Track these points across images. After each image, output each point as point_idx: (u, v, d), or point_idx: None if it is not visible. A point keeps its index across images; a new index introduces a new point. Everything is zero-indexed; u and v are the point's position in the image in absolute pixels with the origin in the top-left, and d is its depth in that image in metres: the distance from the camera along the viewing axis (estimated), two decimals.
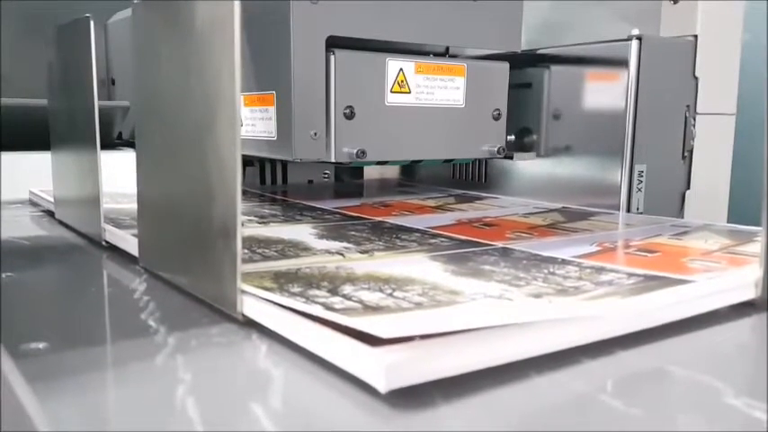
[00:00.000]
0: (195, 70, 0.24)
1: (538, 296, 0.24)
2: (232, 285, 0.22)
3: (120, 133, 0.69)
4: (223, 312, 0.23)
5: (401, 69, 0.44)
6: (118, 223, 0.35)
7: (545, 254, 0.31)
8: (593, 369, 0.19)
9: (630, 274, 0.27)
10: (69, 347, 0.21)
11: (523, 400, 0.17)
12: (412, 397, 0.17)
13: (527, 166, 0.54)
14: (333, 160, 0.42)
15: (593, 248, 0.33)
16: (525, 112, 0.53)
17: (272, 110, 0.42)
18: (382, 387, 0.17)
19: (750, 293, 0.25)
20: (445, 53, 0.49)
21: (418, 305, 0.22)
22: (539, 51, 0.52)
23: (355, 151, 0.42)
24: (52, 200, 0.43)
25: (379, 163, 0.46)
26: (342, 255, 0.31)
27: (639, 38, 0.46)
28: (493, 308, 0.22)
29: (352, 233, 0.36)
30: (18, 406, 0.17)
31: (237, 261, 0.22)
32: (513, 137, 0.54)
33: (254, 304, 0.22)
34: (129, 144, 0.66)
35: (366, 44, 0.43)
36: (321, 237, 0.35)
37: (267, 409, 0.16)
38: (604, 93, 0.48)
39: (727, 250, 0.32)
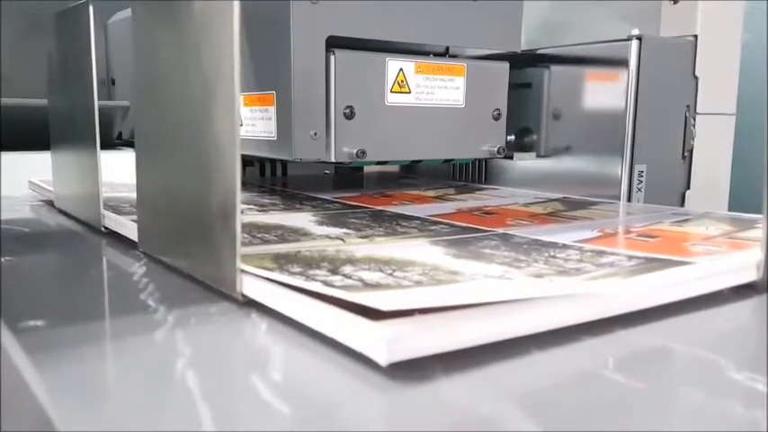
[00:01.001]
0: (194, 51, 0.24)
1: (539, 276, 0.24)
2: (231, 265, 0.22)
3: (120, 133, 0.69)
4: (223, 294, 0.23)
5: (401, 69, 0.44)
6: (117, 210, 0.35)
7: (546, 239, 0.31)
8: (593, 346, 0.19)
9: (631, 257, 0.27)
10: (68, 324, 0.21)
11: (524, 374, 0.17)
12: (412, 371, 0.17)
13: (527, 166, 0.54)
14: (333, 160, 0.42)
15: (594, 234, 0.33)
16: (525, 112, 0.53)
17: (272, 110, 0.42)
18: (383, 360, 0.16)
19: (751, 275, 0.25)
20: (445, 53, 0.49)
21: (418, 283, 0.22)
22: (539, 51, 0.52)
23: (355, 151, 0.42)
24: (52, 189, 0.43)
25: (378, 163, 0.46)
26: (342, 240, 0.30)
27: (639, 38, 0.46)
28: (494, 284, 0.22)
29: (353, 220, 0.36)
30: (17, 376, 0.17)
31: (237, 241, 0.22)
32: (513, 137, 0.54)
33: (253, 283, 0.22)
34: (129, 144, 0.66)
35: (366, 44, 0.43)
36: (321, 224, 0.35)
37: (267, 382, 0.17)
38: (604, 93, 0.48)
39: (729, 236, 0.32)
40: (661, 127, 0.48)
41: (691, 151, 0.49)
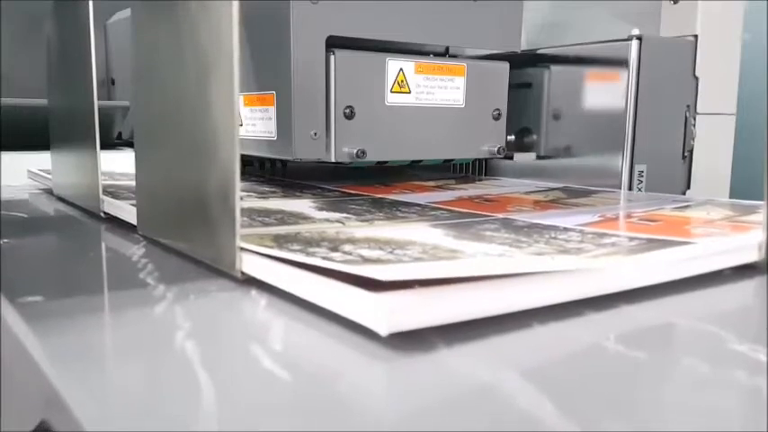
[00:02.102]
0: (191, 29, 0.24)
1: (540, 254, 0.24)
2: (230, 243, 0.22)
3: (120, 133, 0.69)
4: (222, 273, 0.23)
5: (401, 69, 0.44)
6: (116, 196, 0.35)
7: (547, 223, 0.31)
8: (596, 320, 0.19)
9: (633, 238, 0.27)
10: (67, 298, 0.21)
11: (526, 346, 0.18)
12: (413, 342, 0.17)
13: (526, 166, 0.54)
14: (333, 160, 0.42)
15: (596, 218, 0.33)
16: (525, 111, 0.53)
17: (272, 110, 0.42)
18: (383, 330, 0.16)
19: (753, 255, 0.25)
20: (445, 53, 0.49)
21: (418, 260, 0.22)
22: (539, 51, 0.52)
23: (355, 151, 0.42)
24: (50, 177, 0.43)
25: (378, 163, 0.46)
26: (341, 223, 0.30)
27: (639, 38, 0.46)
28: (494, 260, 0.22)
29: (352, 206, 0.36)
30: (17, 343, 0.17)
31: (236, 219, 0.22)
32: (513, 137, 0.54)
33: (252, 260, 0.22)
34: (129, 144, 0.66)
35: (366, 44, 0.43)
36: (321, 209, 0.35)
37: (267, 351, 0.17)
38: (604, 93, 0.48)
39: (730, 219, 0.32)
40: (661, 127, 0.48)
41: (691, 151, 0.49)
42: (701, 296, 0.22)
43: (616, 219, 0.33)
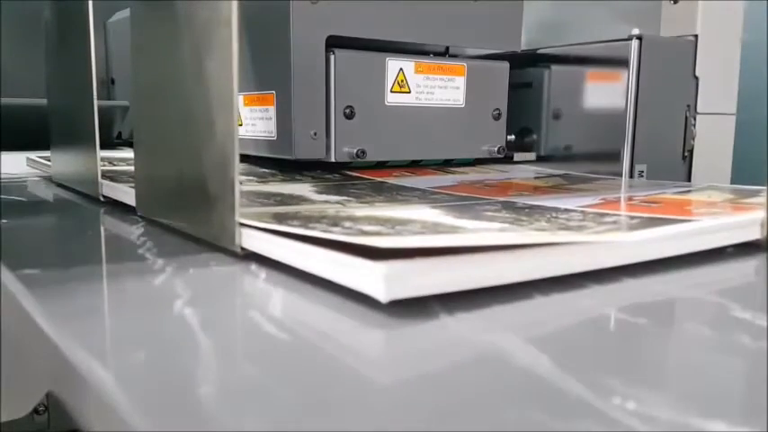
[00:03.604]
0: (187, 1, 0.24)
1: (541, 230, 0.24)
2: (230, 218, 0.22)
3: (120, 133, 0.69)
4: (222, 249, 0.23)
5: (401, 69, 0.44)
6: (115, 180, 0.35)
7: (548, 204, 0.31)
8: (599, 291, 0.20)
9: (634, 217, 0.27)
10: (65, 270, 0.21)
11: (527, 313, 0.18)
12: (413, 310, 0.17)
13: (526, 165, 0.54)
14: (333, 160, 0.42)
15: (597, 201, 0.32)
16: (525, 111, 0.53)
17: (272, 110, 0.42)
18: (383, 296, 0.16)
19: (755, 233, 0.25)
20: (445, 53, 0.49)
21: (419, 234, 0.22)
22: (539, 51, 0.52)
23: (355, 151, 0.42)
24: (50, 164, 0.43)
25: (378, 163, 0.46)
26: (342, 204, 0.30)
27: (640, 37, 0.45)
28: (495, 234, 0.22)
29: (353, 190, 0.36)
30: (19, 309, 0.18)
31: (235, 195, 0.22)
32: (513, 136, 0.54)
33: (252, 235, 0.22)
34: (129, 144, 0.66)
35: (366, 44, 0.43)
36: (321, 193, 0.35)
37: (267, 317, 0.17)
38: (605, 92, 0.48)
39: (732, 202, 0.32)
40: (661, 127, 0.48)
41: (691, 151, 0.49)
42: (703, 271, 0.22)
43: (617, 201, 0.33)
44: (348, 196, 0.33)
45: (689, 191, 0.37)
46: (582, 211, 0.29)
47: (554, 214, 0.28)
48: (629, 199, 0.34)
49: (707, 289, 0.21)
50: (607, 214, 0.28)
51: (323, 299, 0.18)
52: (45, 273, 0.21)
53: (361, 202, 0.31)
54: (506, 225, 0.25)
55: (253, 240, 0.22)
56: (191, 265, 0.22)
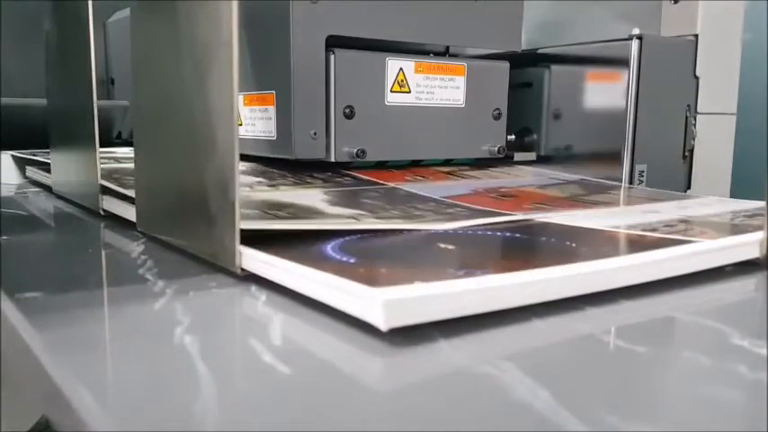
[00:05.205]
0: (189, 19, 0.24)
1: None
2: (230, 239, 0.22)
3: (120, 133, 0.69)
4: (222, 269, 0.23)
5: (401, 69, 0.44)
6: (122, 183, 0.35)
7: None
8: (596, 314, 0.19)
9: (473, 210, 0.26)
10: (66, 294, 0.21)
11: (524, 338, 0.18)
12: (412, 337, 0.17)
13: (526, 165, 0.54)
14: (333, 160, 0.42)
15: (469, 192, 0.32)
16: (525, 111, 0.53)
17: (272, 109, 0.42)
18: (383, 325, 0.16)
19: (754, 252, 0.25)
20: (445, 53, 0.49)
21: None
22: (539, 51, 0.52)
23: (355, 151, 0.42)
24: (50, 175, 0.43)
25: (378, 163, 0.46)
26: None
27: (640, 37, 0.45)
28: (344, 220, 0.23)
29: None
30: (17, 339, 0.17)
31: (236, 214, 0.22)
32: (513, 136, 0.54)
33: (253, 255, 0.22)
34: (128, 144, 0.66)
35: (366, 44, 0.43)
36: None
37: (267, 346, 0.17)
38: (605, 92, 0.48)
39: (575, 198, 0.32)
40: (661, 127, 0.48)
41: (691, 151, 0.49)
42: (701, 292, 0.22)
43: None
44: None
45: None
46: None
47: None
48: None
49: (705, 312, 0.21)
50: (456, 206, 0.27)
51: (323, 324, 0.18)
52: (45, 297, 0.20)
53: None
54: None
55: (253, 262, 0.22)
56: (191, 288, 0.22)
